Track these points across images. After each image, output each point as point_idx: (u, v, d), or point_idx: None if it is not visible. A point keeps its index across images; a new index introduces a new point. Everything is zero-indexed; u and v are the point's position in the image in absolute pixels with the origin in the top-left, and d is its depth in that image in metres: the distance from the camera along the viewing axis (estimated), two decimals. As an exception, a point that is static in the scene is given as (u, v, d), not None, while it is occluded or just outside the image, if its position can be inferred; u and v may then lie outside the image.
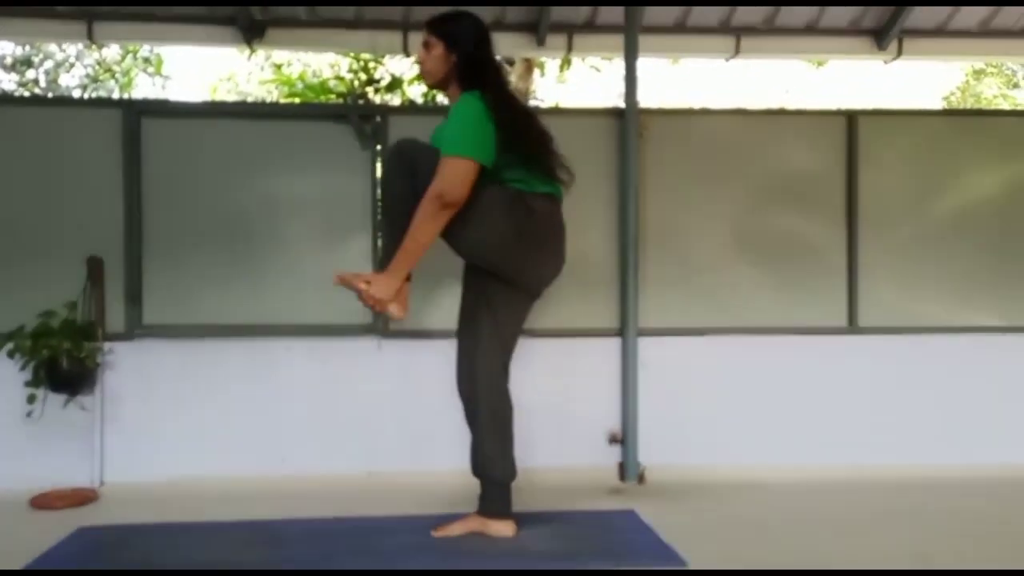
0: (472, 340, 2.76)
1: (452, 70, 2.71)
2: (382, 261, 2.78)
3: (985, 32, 4.36)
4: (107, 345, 3.52)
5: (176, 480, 3.47)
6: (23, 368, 3.38)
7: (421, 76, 2.84)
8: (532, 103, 7.90)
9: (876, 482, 3.54)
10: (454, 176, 2.55)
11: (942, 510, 3.14)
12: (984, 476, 3.59)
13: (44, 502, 3.23)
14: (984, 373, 3.86)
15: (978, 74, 10.44)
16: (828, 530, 2.88)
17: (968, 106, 10.19)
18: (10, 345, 3.34)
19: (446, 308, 3.57)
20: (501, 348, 2.78)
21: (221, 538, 2.77)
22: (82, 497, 3.31)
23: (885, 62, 4.50)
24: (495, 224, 2.62)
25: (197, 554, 2.60)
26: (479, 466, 2.75)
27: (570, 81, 8.85)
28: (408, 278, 2.69)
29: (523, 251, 2.69)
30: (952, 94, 10.41)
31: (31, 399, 3.38)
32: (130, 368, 3.55)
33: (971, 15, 4.25)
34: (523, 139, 2.64)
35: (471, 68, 2.68)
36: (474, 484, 2.79)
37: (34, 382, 3.37)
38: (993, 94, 10.20)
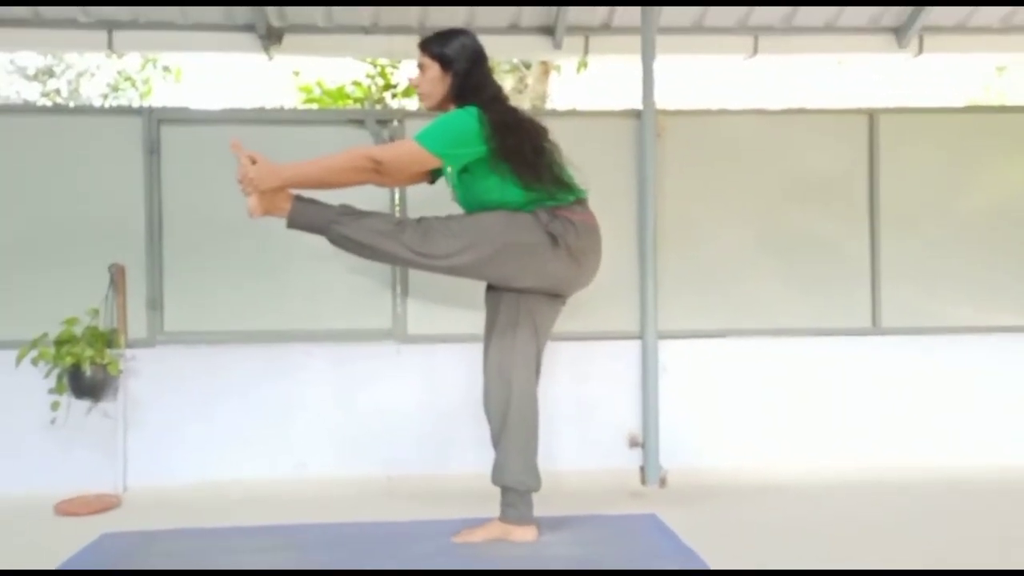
0: (509, 348, 2.72)
1: (449, 91, 2.69)
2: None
3: (1007, 28, 4.31)
4: (129, 352, 3.54)
5: (198, 485, 3.48)
6: (47, 375, 3.41)
7: (419, 99, 2.82)
8: (548, 106, 7.89)
9: (901, 484, 3.49)
10: (403, 156, 2.64)
11: (969, 512, 3.10)
12: (1013, 477, 3.55)
13: (68, 508, 3.25)
14: (1010, 373, 3.81)
15: (1000, 70, 10.32)
16: (852, 533, 2.84)
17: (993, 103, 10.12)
18: (34, 352, 3.37)
19: (464, 312, 3.58)
20: (536, 355, 2.78)
21: (243, 543, 2.78)
22: (106, 503, 3.33)
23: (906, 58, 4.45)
24: (553, 260, 2.64)
25: (220, 559, 2.60)
26: (505, 477, 2.72)
27: (588, 82, 8.83)
28: (288, 199, 2.66)
29: (577, 267, 2.71)
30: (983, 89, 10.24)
31: (55, 406, 3.41)
32: (152, 374, 3.57)
33: (993, 10, 4.20)
34: (534, 160, 2.62)
35: (467, 87, 2.67)
36: (494, 487, 2.78)
37: (58, 389, 3.40)
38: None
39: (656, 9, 3.74)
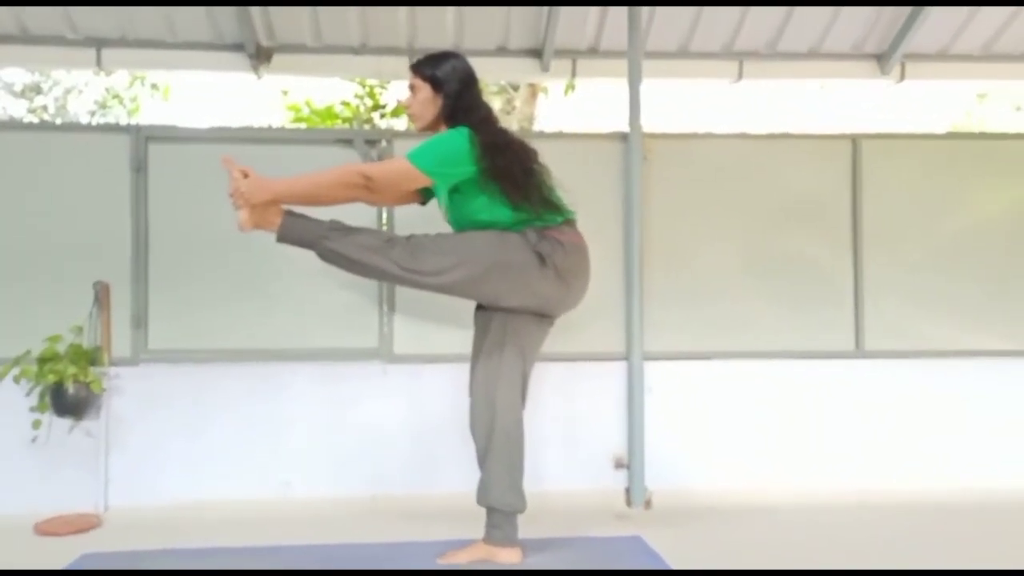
0: (495, 368, 2.72)
1: (440, 112, 2.72)
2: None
3: (988, 56, 4.39)
4: (113, 370, 3.52)
5: (181, 505, 3.45)
6: (29, 393, 3.38)
7: (410, 120, 2.84)
8: (536, 128, 7.94)
9: (885, 506, 3.51)
10: (394, 174, 2.65)
11: (951, 534, 3.11)
12: (994, 500, 3.56)
13: (49, 528, 3.21)
14: (992, 397, 3.84)
15: (981, 97, 10.47)
16: (836, 554, 2.85)
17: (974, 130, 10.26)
18: (16, 370, 3.34)
19: (450, 332, 3.58)
20: (522, 377, 2.77)
21: (226, 564, 2.74)
22: (87, 523, 3.29)
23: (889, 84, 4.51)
24: (540, 280, 2.64)
25: (201, 581, 2.58)
26: (490, 497, 2.70)
27: (575, 104, 8.90)
28: (279, 214, 2.66)
29: (565, 288, 2.72)
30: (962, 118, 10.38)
31: (36, 424, 3.38)
32: (135, 393, 3.55)
33: (974, 38, 4.27)
34: (523, 181, 2.64)
35: (459, 109, 2.69)
36: (480, 507, 2.77)
37: (39, 407, 3.37)
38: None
39: (643, 28, 3.79)
